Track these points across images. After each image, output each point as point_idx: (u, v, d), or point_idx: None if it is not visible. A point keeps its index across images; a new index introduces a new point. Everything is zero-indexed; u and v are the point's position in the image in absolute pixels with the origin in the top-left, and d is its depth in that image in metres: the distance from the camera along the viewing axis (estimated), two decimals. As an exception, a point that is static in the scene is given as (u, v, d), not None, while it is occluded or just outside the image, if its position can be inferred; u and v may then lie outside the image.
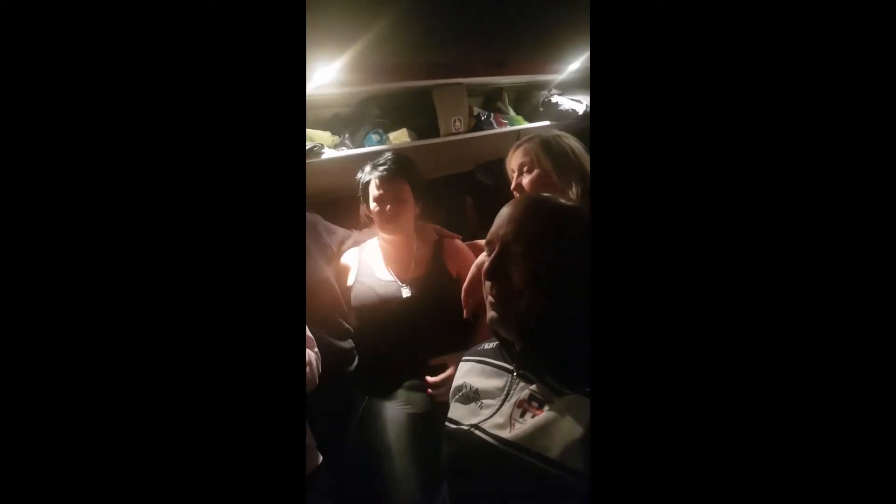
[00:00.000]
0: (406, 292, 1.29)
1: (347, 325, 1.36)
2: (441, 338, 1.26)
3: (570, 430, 0.59)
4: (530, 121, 2.24)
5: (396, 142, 1.77)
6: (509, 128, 2.13)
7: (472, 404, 0.72)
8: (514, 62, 1.89)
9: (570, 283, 0.64)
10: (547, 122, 2.21)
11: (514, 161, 1.16)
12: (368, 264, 1.37)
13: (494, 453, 0.63)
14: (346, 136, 1.71)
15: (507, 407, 0.67)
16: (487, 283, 0.69)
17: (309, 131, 1.61)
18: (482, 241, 0.73)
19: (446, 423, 0.74)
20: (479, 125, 2.05)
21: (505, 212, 0.71)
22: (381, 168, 1.31)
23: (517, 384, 0.69)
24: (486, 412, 0.69)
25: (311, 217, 1.43)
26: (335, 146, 1.67)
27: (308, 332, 1.09)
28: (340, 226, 1.51)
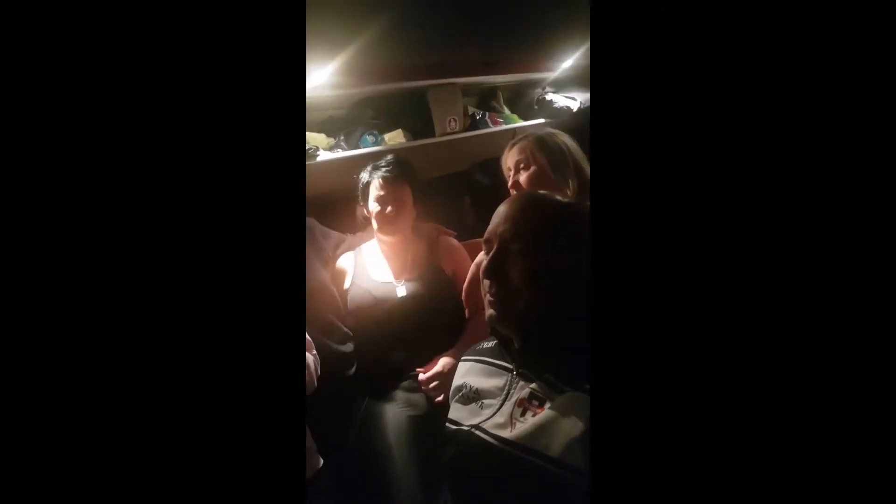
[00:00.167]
0: (401, 292, 1.30)
1: (346, 330, 1.36)
2: (437, 336, 1.27)
3: (572, 427, 0.59)
4: (525, 119, 2.25)
5: (392, 143, 1.77)
6: (504, 126, 2.13)
7: (473, 404, 0.72)
8: (508, 61, 1.89)
9: (569, 279, 0.64)
10: (542, 120, 2.21)
11: (509, 159, 1.16)
12: (364, 267, 1.37)
13: (496, 454, 0.63)
14: (341, 138, 1.71)
15: (508, 406, 0.67)
16: (486, 282, 0.69)
17: (304, 134, 1.61)
18: (480, 240, 0.73)
19: (447, 424, 0.74)
20: (474, 124, 2.05)
21: (502, 210, 0.71)
22: (383, 169, 1.32)
23: (517, 383, 0.69)
24: (487, 412, 0.69)
25: (308, 221, 1.43)
26: (330, 148, 1.67)
27: (307, 336, 1.09)
28: (336, 228, 1.51)
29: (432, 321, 1.27)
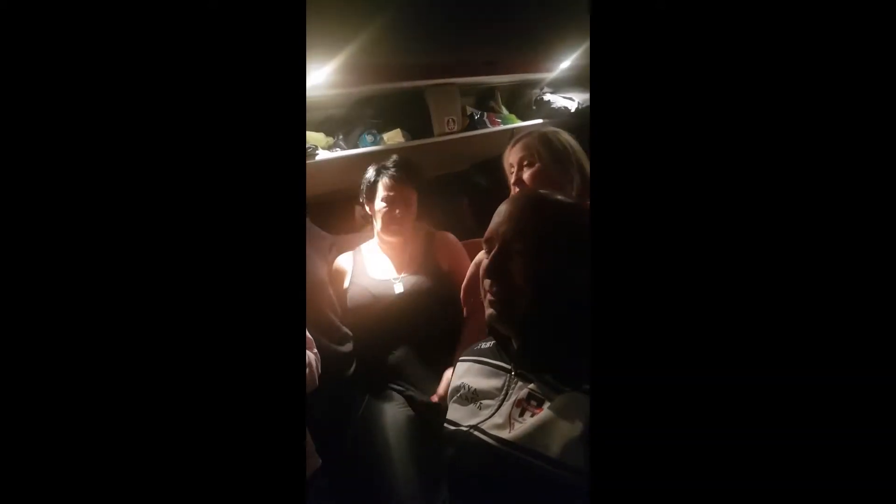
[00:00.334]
0: (398, 289, 1.30)
1: (345, 330, 1.36)
2: (435, 332, 1.27)
3: (570, 427, 0.59)
4: (523, 119, 2.25)
5: (390, 142, 1.77)
6: (503, 126, 2.13)
7: (471, 405, 0.72)
8: (507, 61, 1.89)
9: (570, 279, 0.64)
10: (540, 120, 2.22)
11: (512, 156, 1.15)
12: (363, 265, 1.38)
13: (494, 454, 0.63)
14: (340, 137, 1.71)
15: (506, 407, 0.67)
16: (487, 281, 0.69)
17: (303, 133, 1.61)
18: (480, 240, 0.73)
19: (445, 425, 0.74)
20: (472, 124, 2.06)
21: (503, 209, 0.71)
22: (392, 170, 1.33)
23: (515, 383, 0.69)
24: (486, 412, 0.69)
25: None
26: (329, 147, 1.67)
27: (307, 334, 1.09)
28: (334, 228, 1.51)
29: (430, 318, 1.28)
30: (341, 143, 1.70)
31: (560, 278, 0.65)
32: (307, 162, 1.52)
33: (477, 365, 0.77)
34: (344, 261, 1.42)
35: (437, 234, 1.41)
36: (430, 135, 1.88)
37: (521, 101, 2.34)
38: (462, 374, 0.78)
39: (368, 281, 1.33)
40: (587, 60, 1.98)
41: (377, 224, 1.35)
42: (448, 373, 1.20)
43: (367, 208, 1.38)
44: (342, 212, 1.66)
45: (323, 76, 1.40)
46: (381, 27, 1.25)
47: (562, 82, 2.32)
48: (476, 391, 0.73)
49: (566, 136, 1.15)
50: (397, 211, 1.31)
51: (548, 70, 2.12)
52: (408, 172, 1.34)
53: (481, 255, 0.80)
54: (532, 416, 0.63)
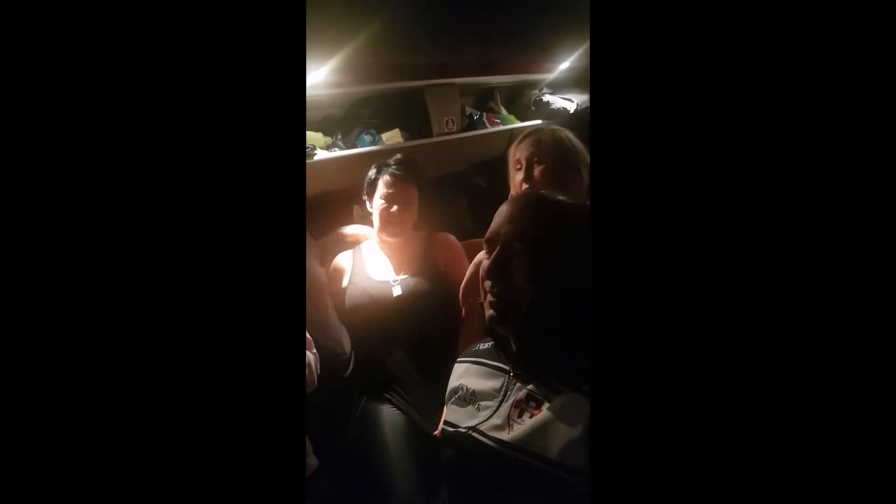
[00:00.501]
0: (397, 291, 1.29)
1: (342, 331, 1.36)
2: (433, 336, 1.26)
3: (569, 428, 0.59)
4: (522, 120, 2.25)
5: (389, 142, 1.77)
6: (502, 127, 2.13)
7: (470, 406, 0.72)
8: (506, 62, 1.89)
9: (571, 280, 0.64)
10: (539, 122, 2.22)
11: (519, 152, 1.13)
12: (362, 265, 1.37)
13: (493, 456, 0.63)
14: (339, 137, 1.71)
15: (505, 408, 0.67)
16: (487, 282, 0.68)
17: (301, 133, 1.61)
18: (479, 240, 0.72)
19: (443, 426, 0.74)
20: (471, 125, 2.06)
21: (505, 209, 0.70)
22: (393, 167, 1.32)
23: (514, 384, 0.68)
24: (484, 414, 0.68)
25: None
26: (327, 147, 1.67)
27: (307, 334, 1.09)
28: (332, 228, 1.51)
29: (428, 321, 1.27)
30: (340, 142, 1.70)
31: (561, 280, 0.65)
32: (306, 161, 1.52)
33: (475, 366, 0.76)
34: (343, 259, 1.41)
35: (438, 236, 1.40)
36: (429, 135, 1.88)
37: (521, 101, 2.34)
38: (460, 375, 0.78)
39: (367, 281, 1.32)
40: (586, 62, 1.99)
41: (376, 222, 1.34)
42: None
43: (368, 206, 1.37)
44: (340, 212, 1.65)
45: (322, 76, 1.40)
46: (380, 27, 1.25)
47: (561, 83, 2.32)
48: (474, 392, 0.72)
49: (571, 135, 1.14)
50: (396, 209, 1.30)
51: (547, 71, 2.13)
52: (409, 171, 1.33)
53: (481, 256, 0.80)
54: (531, 417, 0.63)
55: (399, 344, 1.26)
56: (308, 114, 1.69)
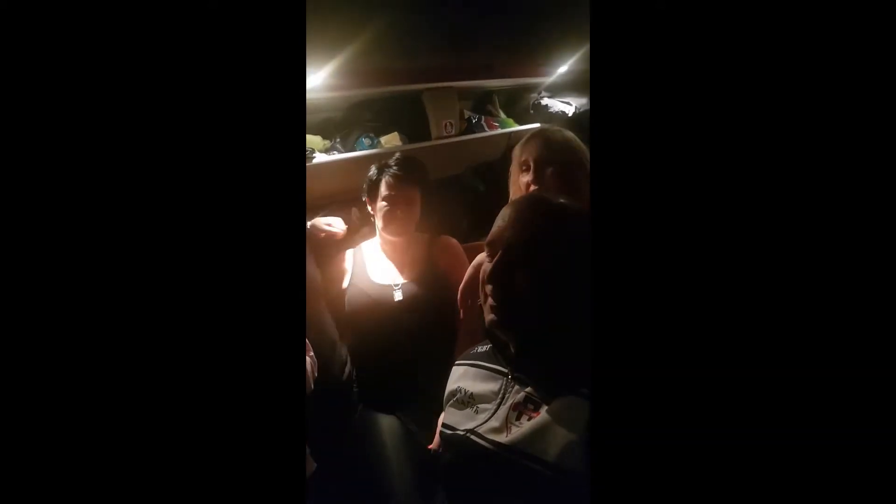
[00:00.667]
0: (398, 296, 1.28)
1: (337, 335, 1.34)
2: (434, 341, 1.25)
3: (567, 431, 0.58)
4: (520, 123, 2.25)
5: (388, 146, 1.77)
6: (500, 130, 2.13)
7: (468, 409, 0.71)
8: (504, 65, 1.90)
9: (572, 284, 0.63)
10: (537, 125, 2.22)
11: (526, 153, 1.10)
12: (363, 266, 1.35)
13: (492, 458, 0.63)
14: (338, 140, 1.71)
15: (503, 410, 0.67)
16: (488, 287, 0.68)
17: (300, 136, 1.61)
18: (479, 243, 0.72)
19: (442, 429, 0.74)
20: (470, 128, 2.06)
21: (507, 213, 0.70)
22: (394, 168, 1.30)
23: (512, 387, 0.68)
24: (482, 416, 0.68)
25: None
26: (326, 150, 1.67)
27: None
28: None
29: (429, 325, 1.25)
30: (338, 146, 1.70)
31: (562, 284, 0.65)
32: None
33: (473, 369, 0.76)
34: (344, 259, 1.39)
35: (440, 239, 1.38)
36: (428, 138, 1.88)
37: (519, 105, 2.35)
38: (458, 378, 0.78)
39: (368, 284, 1.31)
40: (584, 65, 1.99)
41: (378, 223, 1.32)
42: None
43: (370, 207, 1.35)
44: (339, 215, 1.65)
45: (320, 79, 1.40)
46: (379, 31, 1.25)
47: (559, 86, 2.32)
48: (472, 395, 0.72)
49: (575, 136, 1.12)
50: (399, 211, 1.28)
51: (545, 74, 2.13)
52: (411, 171, 1.30)
53: (482, 257, 0.79)
54: (529, 419, 0.63)
55: (399, 349, 1.25)
56: (307, 117, 1.70)
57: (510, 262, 0.66)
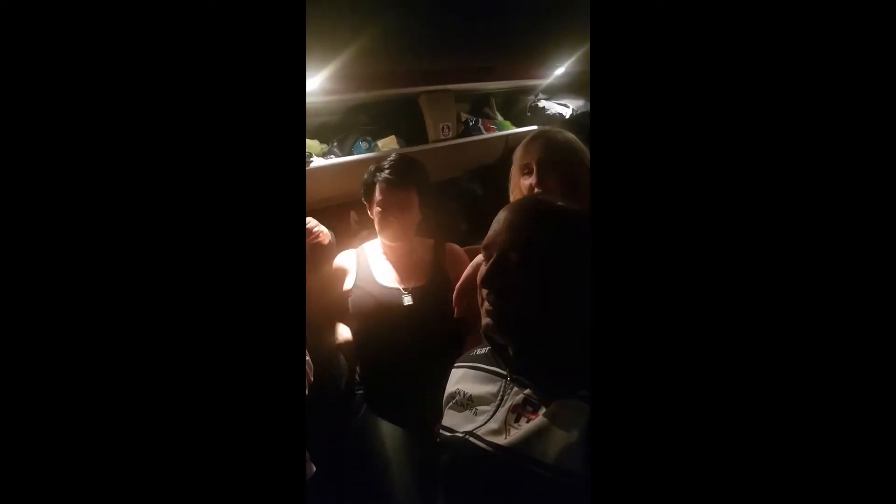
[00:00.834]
0: (408, 301, 1.25)
1: (335, 343, 1.33)
2: (443, 346, 1.22)
3: (567, 433, 0.59)
4: (518, 125, 2.26)
5: (385, 149, 1.77)
6: (497, 133, 2.14)
7: (467, 411, 0.71)
8: (501, 67, 1.89)
9: (570, 287, 0.64)
10: (534, 127, 2.22)
11: (528, 156, 1.08)
12: (367, 268, 1.32)
13: (491, 460, 0.63)
14: (335, 144, 1.71)
15: (502, 412, 0.67)
16: (483, 290, 0.68)
17: (297, 140, 1.61)
18: (478, 247, 0.72)
19: (441, 431, 0.74)
20: (467, 131, 2.06)
21: (503, 216, 0.70)
22: (386, 171, 1.26)
23: (511, 389, 0.68)
24: (481, 418, 0.68)
25: None
26: (323, 154, 1.67)
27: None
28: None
29: (438, 330, 1.23)
30: (336, 150, 1.70)
31: (559, 286, 0.65)
32: (301, 169, 1.52)
33: (472, 371, 0.76)
34: (345, 260, 1.35)
35: (446, 246, 1.36)
36: (425, 141, 1.88)
37: (516, 107, 2.35)
38: (457, 380, 0.78)
39: (374, 287, 1.28)
40: (581, 67, 2.00)
41: (377, 228, 1.30)
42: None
43: (369, 211, 1.32)
44: (337, 219, 1.65)
45: (317, 83, 1.40)
46: (376, 34, 1.25)
47: (556, 89, 2.33)
48: (471, 397, 0.72)
49: (574, 137, 1.11)
50: (392, 217, 1.25)
51: (542, 76, 2.13)
52: (405, 175, 1.26)
53: (480, 259, 0.79)
54: (528, 421, 0.63)
55: (407, 353, 1.22)
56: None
57: (504, 266, 0.66)
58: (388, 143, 1.79)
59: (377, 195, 1.26)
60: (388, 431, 1.18)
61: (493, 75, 1.91)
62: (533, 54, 1.88)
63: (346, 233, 1.53)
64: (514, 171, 1.12)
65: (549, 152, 1.06)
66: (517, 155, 1.12)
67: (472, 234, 1.77)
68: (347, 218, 1.58)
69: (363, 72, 1.49)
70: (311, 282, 1.32)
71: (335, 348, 1.31)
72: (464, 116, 2.09)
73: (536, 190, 1.04)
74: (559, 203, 0.72)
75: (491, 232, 0.70)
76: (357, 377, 1.32)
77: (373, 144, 1.75)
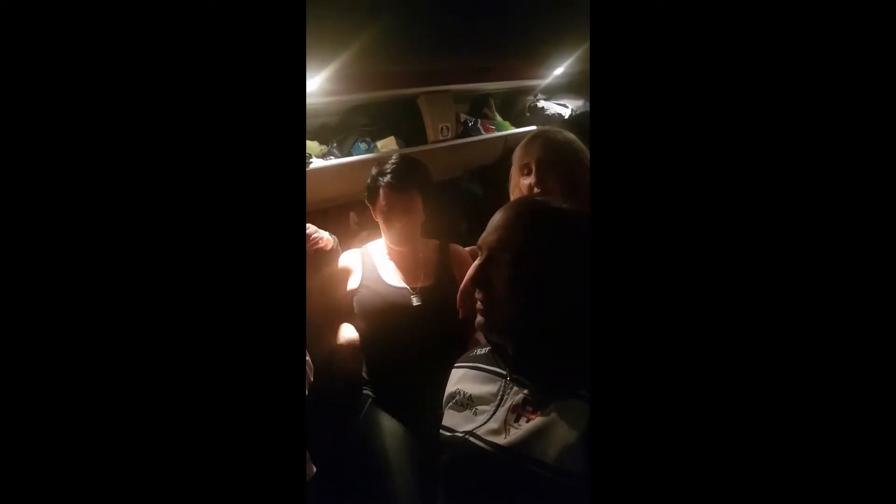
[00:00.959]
0: (416, 301, 1.25)
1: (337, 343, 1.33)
2: (450, 346, 1.22)
3: (567, 433, 0.59)
4: (517, 126, 2.26)
5: (384, 150, 1.77)
6: (496, 133, 2.14)
7: (467, 411, 0.72)
8: (500, 68, 1.89)
9: (566, 286, 0.64)
10: (533, 127, 2.22)
11: (528, 156, 1.07)
12: (374, 268, 1.31)
13: (490, 460, 0.63)
14: (334, 145, 1.71)
15: (502, 412, 0.67)
16: (477, 289, 0.69)
17: (296, 141, 1.60)
18: (476, 248, 0.72)
19: (441, 431, 0.74)
20: (466, 131, 2.06)
21: (497, 217, 0.70)
22: (389, 175, 1.25)
23: (511, 389, 0.69)
24: (481, 418, 0.68)
25: None
26: (323, 156, 1.67)
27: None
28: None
29: (443, 330, 1.22)
30: (335, 151, 1.70)
31: (556, 287, 0.65)
32: (300, 170, 1.51)
33: (472, 371, 0.76)
34: (349, 259, 1.34)
35: (451, 247, 1.35)
36: (424, 142, 1.88)
37: (515, 107, 2.35)
38: (457, 380, 0.78)
39: (382, 286, 1.27)
40: (581, 67, 2.00)
41: (382, 231, 1.29)
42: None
43: (373, 214, 1.31)
44: (336, 220, 1.65)
45: (316, 84, 1.40)
46: (376, 34, 1.24)
47: (555, 89, 2.33)
48: (471, 397, 0.72)
49: (574, 137, 1.11)
50: (397, 221, 1.25)
51: (541, 77, 2.13)
52: (407, 178, 1.25)
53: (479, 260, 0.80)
54: (528, 421, 0.63)
55: (415, 353, 1.21)
56: (304, 122, 1.70)
57: (492, 265, 0.67)
58: (388, 144, 1.79)
59: (381, 199, 1.26)
60: (389, 431, 1.18)
61: (492, 75, 1.91)
62: (532, 54, 1.88)
63: (346, 233, 1.53)
64: (514, 171, 1.12)
65: (549, 152, 1.06)
66: (517, 155, 1.12)
67: (472, 234, 1.77)
68: (346, 219, 1.58)
69: (362, 72, 1.48)
70: (312, 282, 1.32)
71: (339, 348, 1.31)
72: (463, 117, 2.09)
73: (536, 190, 1.04)
74: (554, 203, 0.72)
75: (485, 232, 0.71)
76: (363, 376, 1.32)
77: (372, 145, 1.75)
